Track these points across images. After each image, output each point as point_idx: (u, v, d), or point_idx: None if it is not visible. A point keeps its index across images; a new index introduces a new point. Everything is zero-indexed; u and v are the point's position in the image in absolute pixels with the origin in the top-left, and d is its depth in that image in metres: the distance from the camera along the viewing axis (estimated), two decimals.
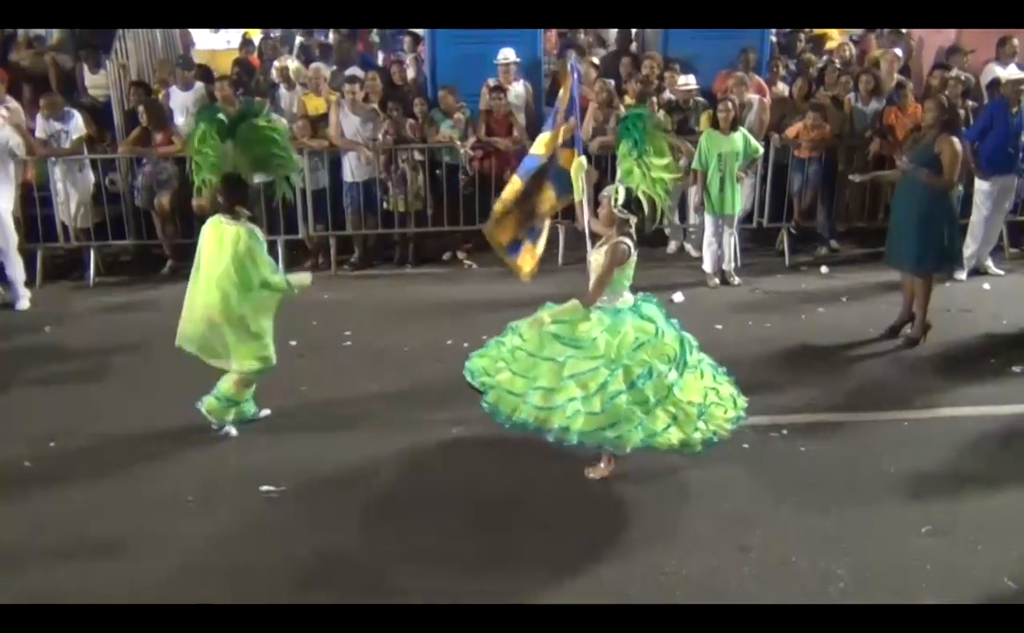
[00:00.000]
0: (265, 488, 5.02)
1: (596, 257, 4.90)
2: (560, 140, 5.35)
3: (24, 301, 7.86)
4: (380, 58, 12.05)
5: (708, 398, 4.80)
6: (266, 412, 5.77)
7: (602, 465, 5.05)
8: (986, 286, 8.05)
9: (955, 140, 6.51)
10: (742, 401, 4.98)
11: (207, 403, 5.48)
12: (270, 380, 6.23)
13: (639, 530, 4.68)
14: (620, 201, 4.81)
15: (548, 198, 5.50)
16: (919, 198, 6.59)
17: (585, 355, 4.65)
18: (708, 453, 4.77)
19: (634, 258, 4.88)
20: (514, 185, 5.42)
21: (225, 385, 5.48)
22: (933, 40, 10.75)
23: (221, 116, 5.41)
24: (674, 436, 4.61)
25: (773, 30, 10.85)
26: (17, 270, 7.82)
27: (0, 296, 7.93)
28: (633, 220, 4.85)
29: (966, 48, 9.96)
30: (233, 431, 5.57)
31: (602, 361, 4.62)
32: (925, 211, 6.57)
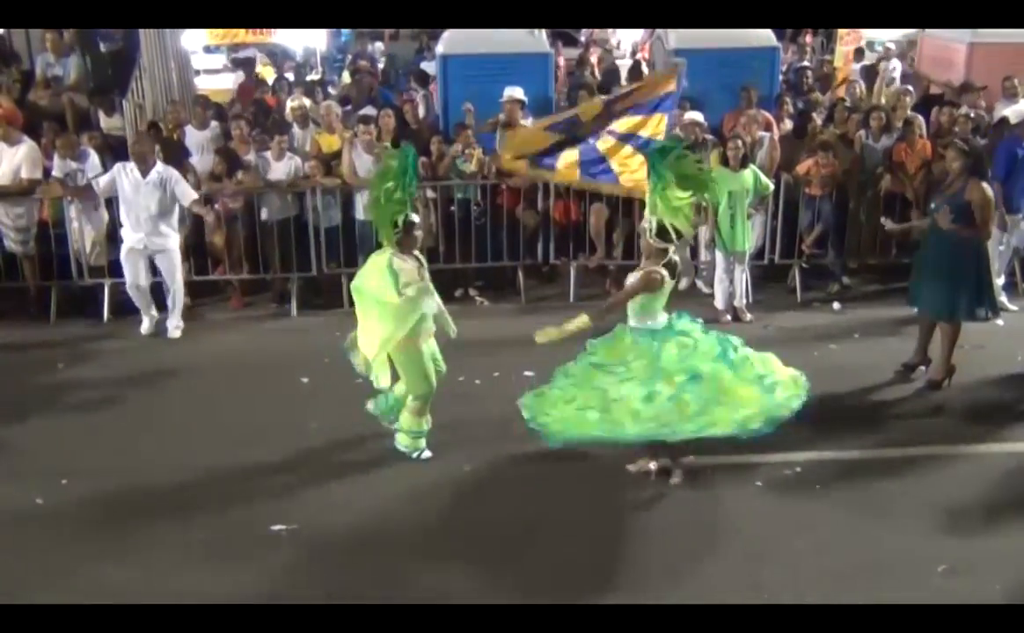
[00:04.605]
0: (276, 527, 5.01)
1: (629, 278, 5.31)
2: (641, 131, 5.67)
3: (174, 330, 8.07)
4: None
5: (763, 381, 5.14)
6: (428, 454, 5.86)
7: (644, 461, 5.39)
8: (1000, 322, 7.99)
9: (985, 186, 6.43)
10: (803, 380, 5.25)
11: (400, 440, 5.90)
12: (280, 417, 6.25)
13: (651, 566, 4.66)
14: (654, 232, 5.16)
15: (569, 169, 5.69)
16: (951, 244, 6.48)
17: (622, 378, 5.08)
18: (773, 430, 5.03)
19: (668, 285, 5.22)
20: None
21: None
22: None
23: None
24: (726, 424, 4.95)
25: (782, 69, 10.95)
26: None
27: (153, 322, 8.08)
28: (671, 249, 5.19)
29: (977, 84, 9.99)
30: (428, 453, 5.84)
31: (640, 380, 5.03)
32: (958, 257, 6.48)
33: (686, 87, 7.51)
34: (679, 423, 4.94)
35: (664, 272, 5.17)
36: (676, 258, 5.31)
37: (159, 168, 7.73)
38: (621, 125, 5.80)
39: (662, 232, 5.16)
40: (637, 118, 5.79)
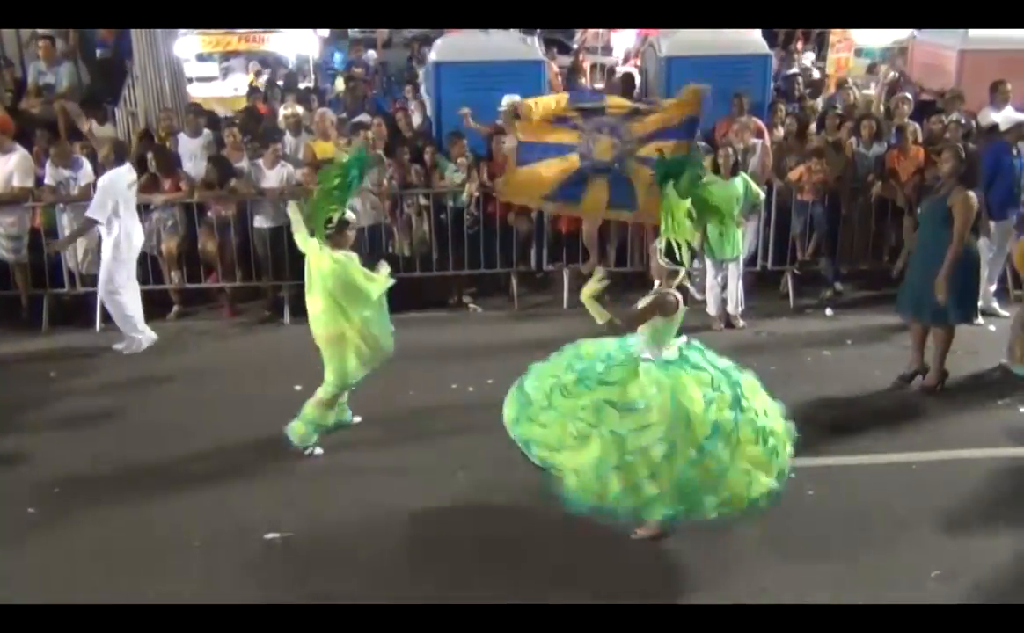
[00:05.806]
0: (270, 536, 5.01)
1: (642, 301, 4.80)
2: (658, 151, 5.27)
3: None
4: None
5: (766, 441, 4.57)
6: (357, 418, 6.23)
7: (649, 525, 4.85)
8: (992, 328, 8.03)
9: (970, 195, 6.40)
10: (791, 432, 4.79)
11: (294, 429, 5.92)
12: (273, 424, 6.24)
13: (648, 574, 4.66)
14: (663, 252, 4.73)
15: (597, 197, 5.36)
16: (940, 251, 6.47)
17: (641, 421, 4.45)
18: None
19: (682, 311, 4.74)
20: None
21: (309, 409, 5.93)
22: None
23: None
24: (740, 501, 4.47)
25: (772, 76, 10.98)
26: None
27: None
28: (682, 271, 4.74)
29: (960, 91, 10.01)
30: (319, 451, 5.94)
31: (662, 428, 4.42)
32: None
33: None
34: (699, 494, 4.41)
35: (678, 295, 4.69)
36: (687, 283, 4.81)
37: (104, 174, 7.64)
38: (647, 149, 5.53)
39: (670, 252, 4.70)
40: (664, 143, 5.49)
